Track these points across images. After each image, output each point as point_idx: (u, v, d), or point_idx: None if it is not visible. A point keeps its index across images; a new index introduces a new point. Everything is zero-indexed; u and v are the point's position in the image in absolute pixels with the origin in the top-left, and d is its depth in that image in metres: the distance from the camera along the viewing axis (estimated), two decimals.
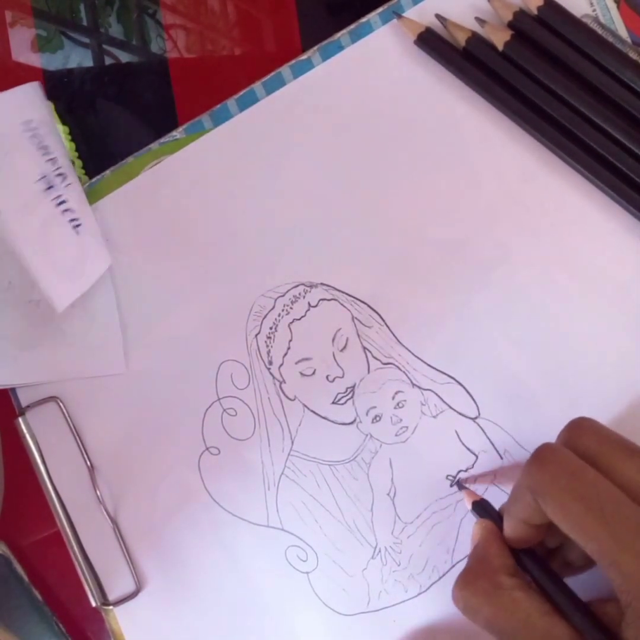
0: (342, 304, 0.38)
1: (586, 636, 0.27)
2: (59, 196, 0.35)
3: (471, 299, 0.37)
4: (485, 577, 0.29)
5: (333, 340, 0.37)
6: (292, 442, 0.37)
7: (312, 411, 0.37)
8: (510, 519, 0.30)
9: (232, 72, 0.41)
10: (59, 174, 0.35)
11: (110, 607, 0.37)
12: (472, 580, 0.29)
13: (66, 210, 0.35)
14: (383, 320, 0.38)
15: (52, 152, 0.35)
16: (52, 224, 0.35)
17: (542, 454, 0.28)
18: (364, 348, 0.37)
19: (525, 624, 0.27)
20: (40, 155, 0.34)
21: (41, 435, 0.38)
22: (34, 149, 0.34)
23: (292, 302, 0.38)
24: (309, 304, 0.38)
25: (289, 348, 0.37)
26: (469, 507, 0.34)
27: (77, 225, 0.36)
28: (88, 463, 0.38)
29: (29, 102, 0.34)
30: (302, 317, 0.38)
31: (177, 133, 0.38)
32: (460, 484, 0.36)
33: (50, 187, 0.34)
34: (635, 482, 0.27)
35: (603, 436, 0.29)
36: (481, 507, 0.33)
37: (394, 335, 0.37)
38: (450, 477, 0.37)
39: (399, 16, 0.38)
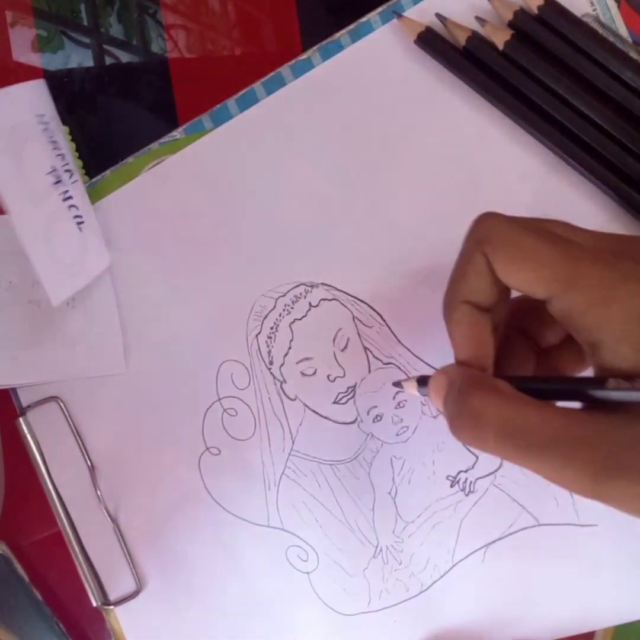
0: (343, 304, 0.38)
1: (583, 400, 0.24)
2: (66, 191, 0.35)
3: None
4: (483, 382, 0.25)
5: (334, 340, 0.37)
6: (293, 442, 0.37)
7: (313, 411, 0.37)
8: (455, 329, 0.27)
9: (232, 72, 0.41)
10: (67, 170, 0.35)
11: (111, 606, 0.37)
12: (474, 388, 0.24)
13: (72, 206, 0.35)
14: (384, 320, 0.38)
15: (61, 147, 0.35)
16: (58, 218, 0.35)
17: (481, 215, 0.26)
18: (365, 348, 0.37)
19: (541, 416, 0.23)
20: (51, 149, 0.34)
21: (42, 435, 0.38)
22: (46, 142, 0.34)
23: (293, 302, 0.38)
24: (310, 303, 0.38)
25: (290, 348, 0.37)
26: (416, 392, 0.30)
27: (81, 223, 0.36)
28: (88, 463, 0.38)
29: (38, 97, 0.34)
30: (303, 317, 0.38)
31: (177, 133, 0.38)
32: (397, 384, 0.32)
33: (58, 182, 0.34)
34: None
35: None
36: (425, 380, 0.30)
37: (394, 335, 0.37)
38: (450, 477, 0.37)
39: (399, 16, 0.38)
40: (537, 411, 0.23)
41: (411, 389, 0.30)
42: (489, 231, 0.26)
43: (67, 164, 0.35)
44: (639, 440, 0.21)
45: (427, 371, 0.37)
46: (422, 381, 0.29)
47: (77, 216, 0.36)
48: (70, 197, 0.35)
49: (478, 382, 0.25)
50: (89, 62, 0.41)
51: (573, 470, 0.22)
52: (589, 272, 0.23)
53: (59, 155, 0.35)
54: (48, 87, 0.35)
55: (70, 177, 0.35)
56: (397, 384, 0.32)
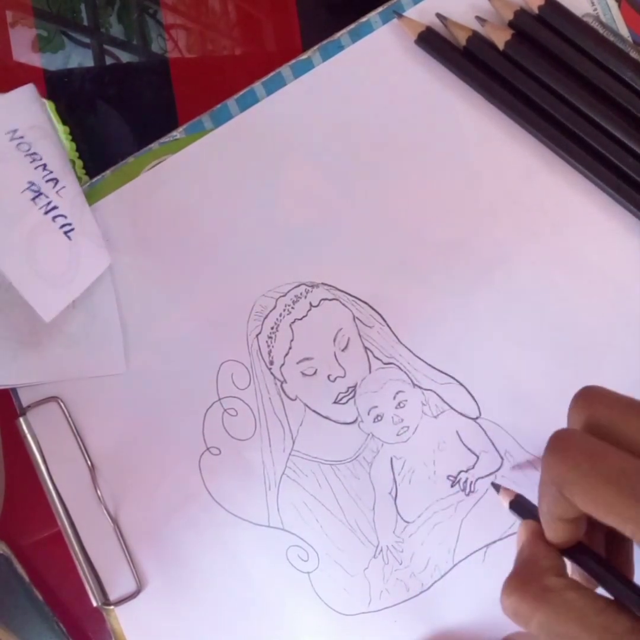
0: (343, 304, 0.38)
1: None
2: (48, 203, 0.35)
3: (471, 299, 0.37)
4: (533, 581, 0.27)
5: (334, 340, 0.37)
6: (293, 442, 0.37)
7: (313, 411, 0.37)
8: (545, 520, 0.28)
9: (233, 72, 0.41)
10: (50, 180, 0.35)
11: (111, 606, 0.37)
12: (519, 586, 0.27)
13: (57, 216, 0.35)
14: (384, 320, 0.38)
15: (41, 158, 0.35)
16: (41, 232, 0.35)
17: (557, 442, 0.26)
18: (365, 348, 0.37)
19: (582, 624, 0.25)
20: (28, 163, 0.34)
21: (42, 435, 0.38)
22: (21, 157, 0.34)
23: (294, 302, 0.38)
24: (310, 303, 0.38)
25: (290, 348, 0.37)
26: (507, 506, 0.32)
27: (70, 230, 0.36)
28: (88, 463, 0.38)
29: (16, 109, 0.34)
30: (304, 316, 0.38)
31: (177, 133, 0.38)
32: (495, 486, 0.35)
33: (38, 195, 0.34)
34: None
35: (612, 402, 0.27)
36: (519, 505, 0.32)
37: (394, 335, 0.38)
38: (450, 477, 0.37)
39: (400, 15, 0.38)
40: (578, 620, 0.25)
41: (505, 502, 0.32)
42: (569, 473, 0.26)
43: (50, 173, 0.35)
44: None
45: (428, 371, 0.37)
46: (517, 506, 0.32)
47: (64, 225, 0.35)
48: (54, 208, 0.35)
49: (528, 580, 0.27)
50: (89, 62, 0.41)
51: None
52: None
53: (38, 166, 0.34)
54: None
55: (54, 185, 0.35)
56: (495, 487, 0.35)
